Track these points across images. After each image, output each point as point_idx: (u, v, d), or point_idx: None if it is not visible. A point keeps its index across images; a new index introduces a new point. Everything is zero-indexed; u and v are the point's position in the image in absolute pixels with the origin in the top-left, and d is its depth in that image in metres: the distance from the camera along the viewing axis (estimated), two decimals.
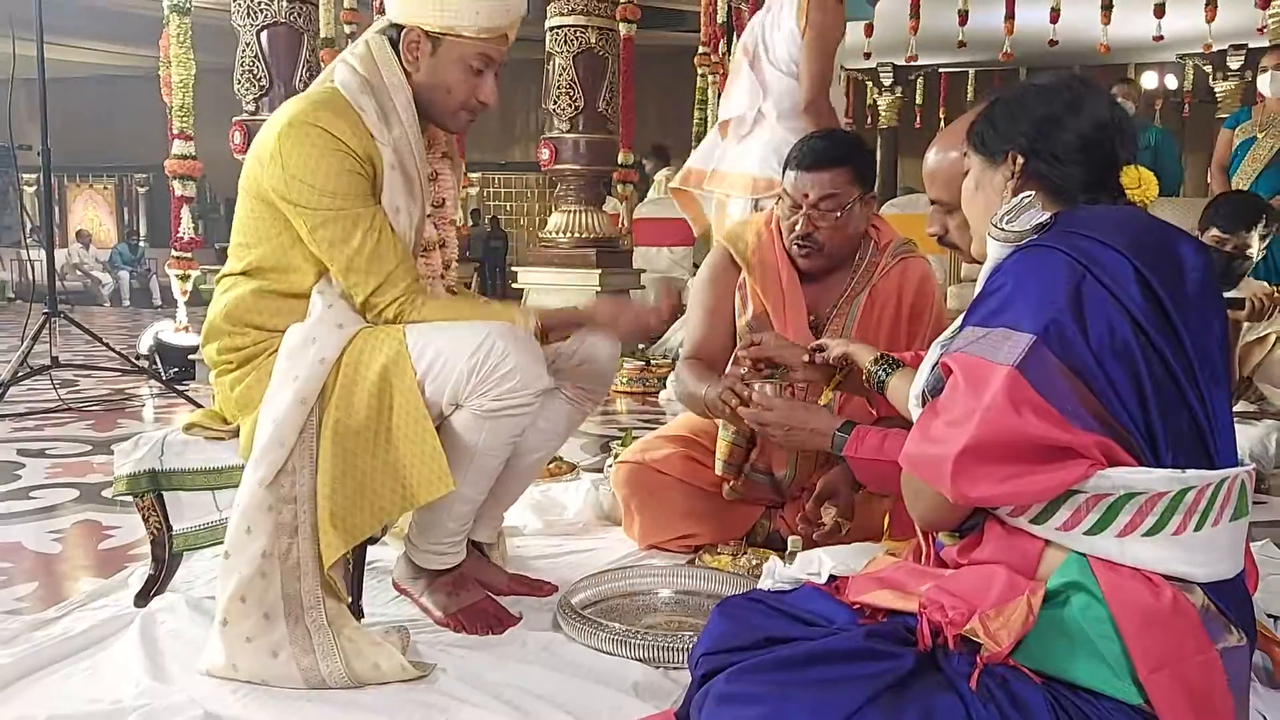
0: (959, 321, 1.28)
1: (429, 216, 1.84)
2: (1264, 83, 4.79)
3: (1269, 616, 1.73)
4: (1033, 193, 1.28)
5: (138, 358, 4.95)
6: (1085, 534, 1.14)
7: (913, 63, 9.96)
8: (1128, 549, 1.13)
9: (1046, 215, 1.24)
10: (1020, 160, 1.30)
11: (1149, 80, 11.93)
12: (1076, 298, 1.15)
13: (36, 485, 2.89)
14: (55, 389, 4.23)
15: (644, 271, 6.16)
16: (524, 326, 1.75)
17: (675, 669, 1.64)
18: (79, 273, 14.75)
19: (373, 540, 1.75)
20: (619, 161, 5.86)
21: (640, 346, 4.70)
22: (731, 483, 2.18)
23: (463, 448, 1.70)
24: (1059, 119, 1.29)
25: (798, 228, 2.10)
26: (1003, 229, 1.25)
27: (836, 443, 1.66)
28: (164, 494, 1.87)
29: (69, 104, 12.45)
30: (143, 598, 1.89)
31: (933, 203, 1.58)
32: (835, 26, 3.31)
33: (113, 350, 4.39)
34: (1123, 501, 1.13)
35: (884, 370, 1.64)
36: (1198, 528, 1.13)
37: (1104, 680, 1.08)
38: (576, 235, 5.55)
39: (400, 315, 1.70)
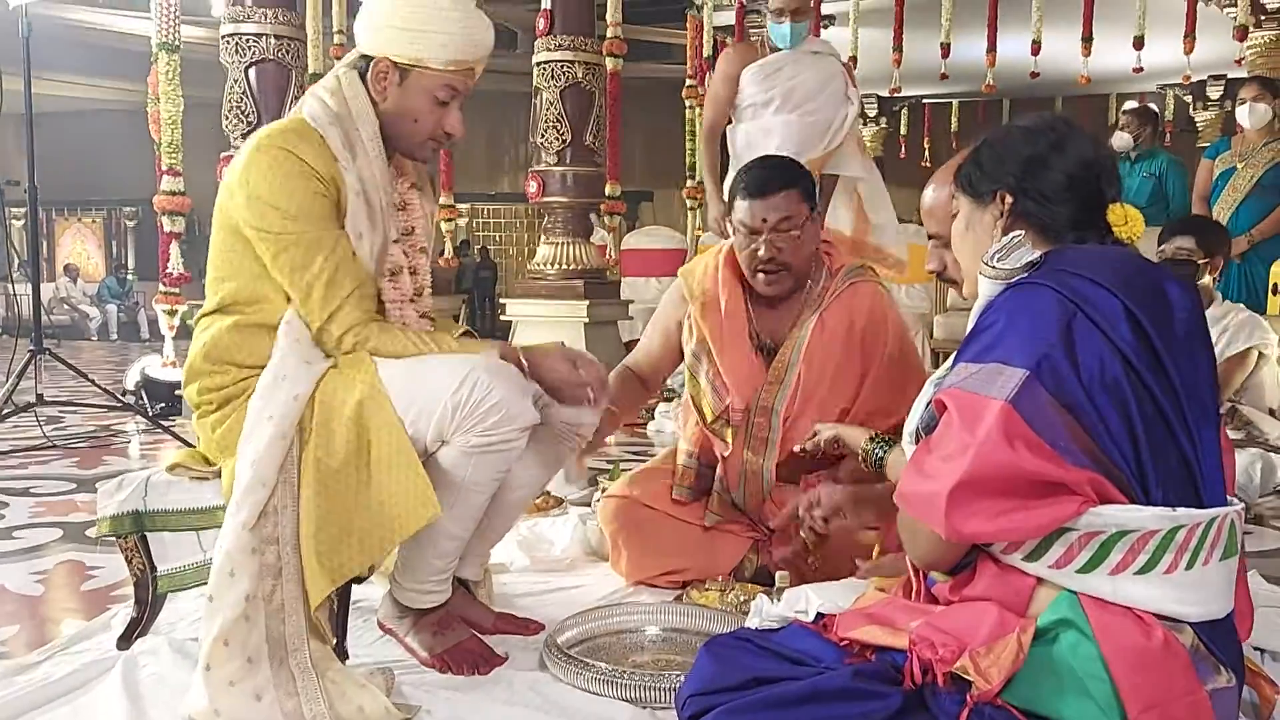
0: (951, 360, 1.28)
1: (398, 242, 1.84)
2: (1243, 114, 4.85)
3: (1256, 650, 1.73)
4: (1023, 232, 1.29)
5: (124, 393, 4.92)
6: (1078, 572, 1.14)
7: (897, 94, 10.05)
8: (1120, 587, 1.13)
9: (1037, 254, 1.25)
10: (1009, 200, 1.32)
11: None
12: (1068, 334, 1.16)
13: (20, 525, 2.86)
14: (40, 426, 4.20)
15: (631, 302, 6.18)
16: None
17: (662, 709, 1.62)
18: (66, 306, 14.71)
19: (359, 579, 1.74)
20: (606, 193, 5.88)
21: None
22: (707, 507, 2.21)
23: (449, 484, 1.69)
24: (1045, 158, 1.30)
25: (760, 253, 2.12)
26: (994, 266, 1.26)
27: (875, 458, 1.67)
28: (148, 535, 1.86)
29: (57, 138, 12.45)
30: (125, 640, 1.87)
31: (930, 238, 1.59)
32: (720, 76, 3.89)
33: (98, 386, 4.37)
34: (1115, 539, 1.13)
35: (881, 448, 1.64)
36: (1189, 566, 1.14)
37: (1092, 718, 1.08)
38: (564, 267, 5.55)
39: (357, 344, 1.69)
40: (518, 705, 1.64)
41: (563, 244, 5.60)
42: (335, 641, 1.71)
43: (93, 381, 4.32)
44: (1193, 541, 1.13)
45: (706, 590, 2.18)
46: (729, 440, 2.15)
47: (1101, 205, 1.30)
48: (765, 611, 1.47)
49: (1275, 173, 4.80)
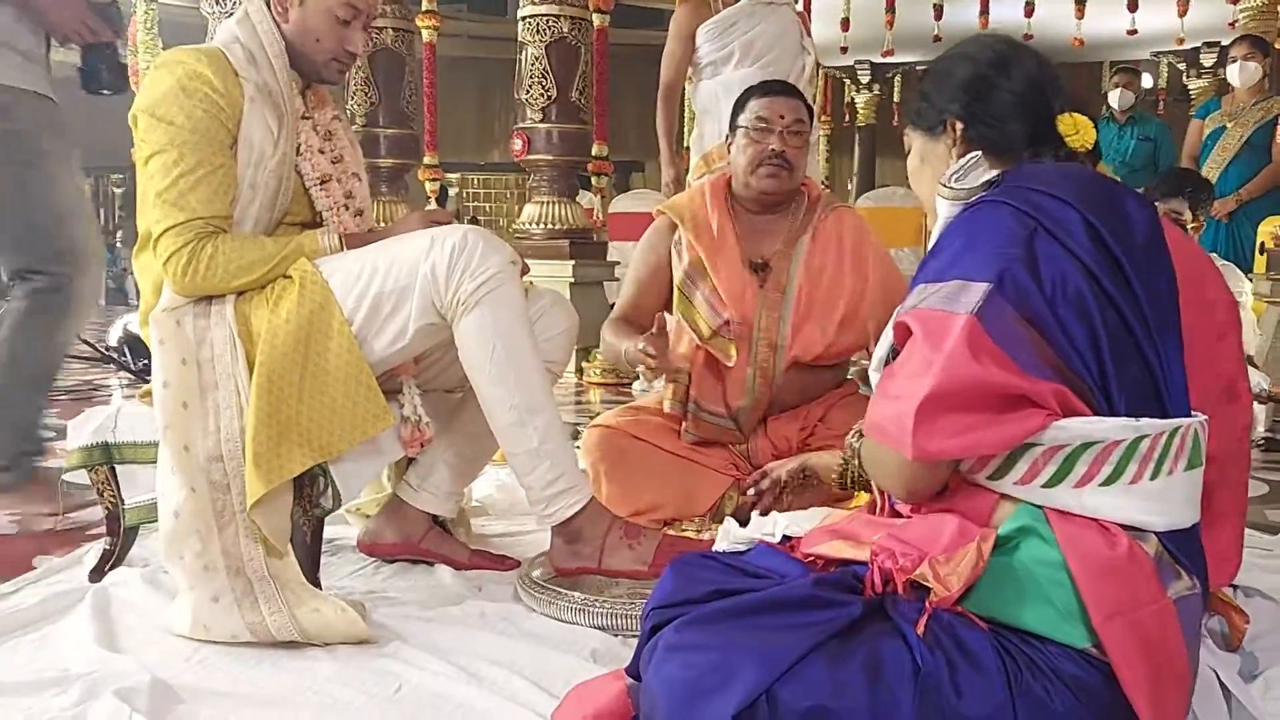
0: (910, 284, 1.27)
1: (333, 169, 1.85)
2: (1233, 73, 4.83)
3: (1231, 586, 1.73)
4: (979, 153, 1.28)
5: (107, 349, 4.88)
6: (1043, 487, 1.13)
7: (889, 58, 9.97)
8: (1085, 500, 1.12)
9: (994, 173, 1.24)
10: (960, 126, 1.31)
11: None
12: (1029, 248, 1.15)
13: None
14: None
15: (618, 264, 6.15)
16: (328, 247, 1.74)
17: (633, 635, 1.62)
18: None
19: (325, 512, 1.72)
20: (593, 153, 5.83)
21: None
22: (683, 424, 2.23)
23: (482, 350, 1.69)
24: (989, 79, 1.30)
25: (774, 146, 2.19)
26: (951, 188, 1.25)
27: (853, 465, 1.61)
28: (117, 468, 1.85)
29: None
30: (97, 572, 1.87)
31: None
32: (675, 34, 3.82)
33: (80, 340, 4.33)
34: (1079, 452, 1.12)
35: (852, 445, 1.52)
36: (1153, 476, 1.13)
37: (1051, 624, 1.08)
38: (550, 226, 5.51)
39: (193, 268, 1.66)
40: (490, 633, 1.63)
41: (548, 203, 5.56)
42: (307, 574, 1.71)
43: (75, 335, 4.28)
44: (1156, 451, 1.12)
45: (684, 530, 2.18)
46: (732, 353, 2.16)
47: (1051, 117, 1.29)
48: (733, 535, 1.46)
49: (1264, 132, 4.78)
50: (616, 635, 1.62)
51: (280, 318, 1.64)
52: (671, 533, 2.16)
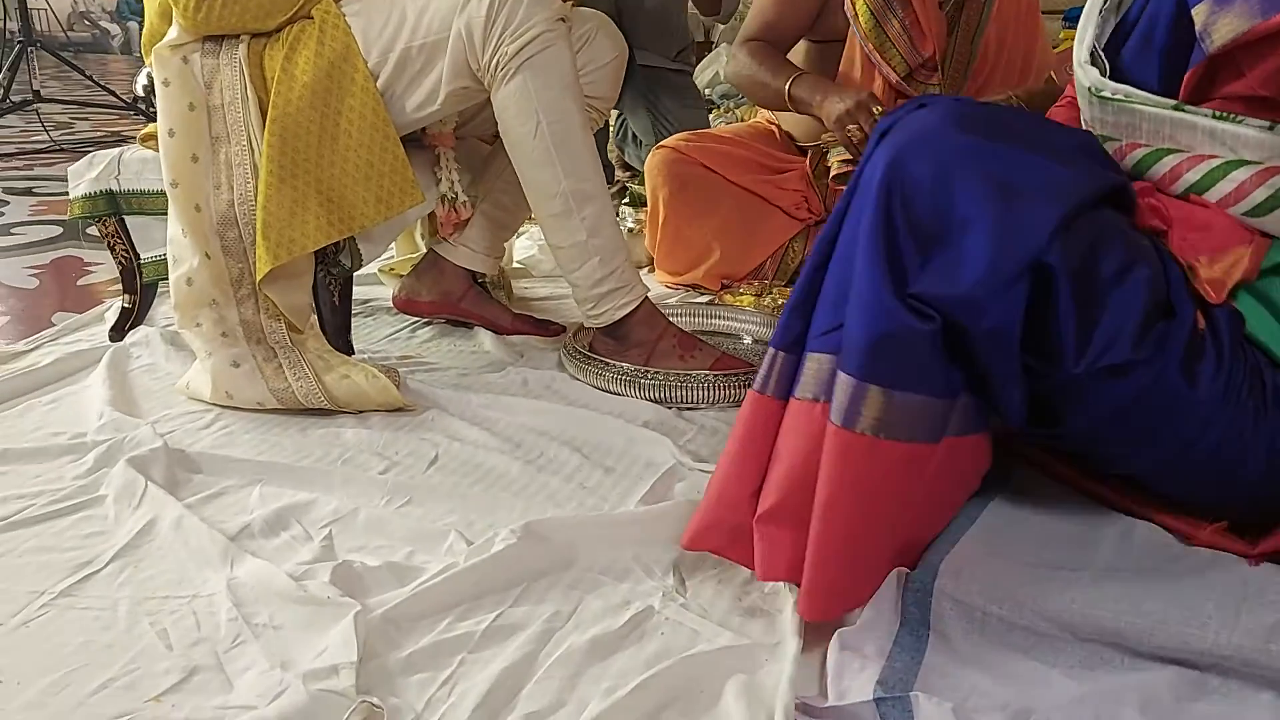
0: None
1: None
2: None
3: None
4: None
5: (134, 99, 4.67)
6: None
7: None
8: None
9: None
10: None
11: None
12: None
13: (19, 222, 2.72)
14: (46, 130, 4.00)
15: None
16: None
17: (689, 409, 1.49)
18: (87, 22, 14.12)
19: (345, 271, 1.57)
20: None
21: None
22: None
23: (524, 125, 1.48)
24: None
25: None
26: None
27: None
28: (127, 219, 1.69)
29: None
30: (117, 331, 1.76)
31: None
32: None
33: (101, 86, 4.13)
34: None
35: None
36: None
37: None
38: None
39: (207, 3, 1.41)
40: (533, 402, 1.51)
41: None
42: (337, 338, 1.58)
43: (91, 79, 4.07)
44: None
45: (741, 293, 2.02)
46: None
47: None
48: None
49: None
50: (670, 407, 1.49)
51: (296, 65, 1.42)
52: (729, 298, 2.00)
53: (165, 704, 0.84)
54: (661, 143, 2.15)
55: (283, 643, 0.92)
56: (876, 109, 1.66)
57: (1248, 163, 0.94)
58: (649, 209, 2.17)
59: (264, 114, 1.42)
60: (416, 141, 1.66)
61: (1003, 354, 0.84)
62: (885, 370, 0.84)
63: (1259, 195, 0.94)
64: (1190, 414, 0.88)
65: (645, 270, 2.24)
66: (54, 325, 1.83)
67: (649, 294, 1.62)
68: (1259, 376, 0.91)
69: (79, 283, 2.17)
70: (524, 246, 2.46)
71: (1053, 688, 0.83)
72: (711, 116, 4.11)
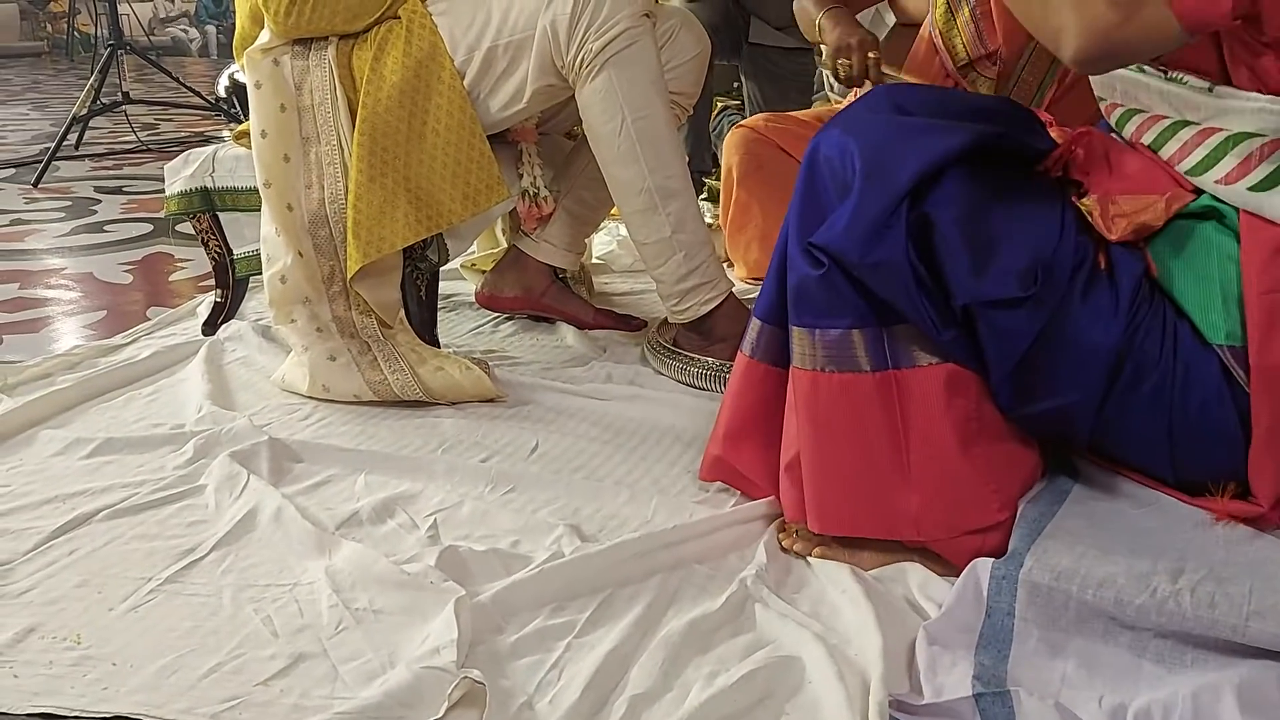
0: None
1: None
2: None
3: None
4: None
5: (216, 100, 4.78)
6: (1251, 189, 0.93)
7: None
8: None
9: None
10: None
11: None
12: None
13: (111, 220, 2.80)
14: (134, 131, 4.12)
15: None
16: None
17: None
18: (167, 28, 14.53)
19: (432, 267, 1.58)
20: None
21: None
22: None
23: (609, 123, 1.48)
24: None
25: None
26: None
27: None
28: (220, 215, 1.73)
29: None
30: (210, 325, 1.80)
31: None
32: None
33: (187, 87, 4.24)
34: None
35: None
36: None
37: (1199, 304, 0.93)
38: None
39: (297, 8, 1.43)
40: (620, 396, 1.51)
41: None
42: (425, 331, 1.59)
43: (179, 81, 4.17)
44: None
45: None
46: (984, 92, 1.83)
47: None
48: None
49: None
50: None
51: (384, 65, 1.44)
52: None
53: (274, 689, 0.86)
54: (741, 122, 2.14)
55: (384, 628, 0.94)
56: (872, 54, 1.63)
57: (1190, 123, 0.97)
58: (722, 185, 2.16)
59: (353, 114, 1.44)
60: (499, 137, 1.67)
61: (898, 288, 0.93)
62: (804, 311, 0.99)
63: (1198, 154, 0.96)
64: (1095, 353, 0.93)
65: (727, 265, 2.23)
66: (149, 320, 1.88)
67: (733, 289, 1.61)
68: (1164, 320, 0.93)
69: (170, 279, 2.23)
70: (603, 242, 2.47)
71: (1145, 678, 0.83)
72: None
